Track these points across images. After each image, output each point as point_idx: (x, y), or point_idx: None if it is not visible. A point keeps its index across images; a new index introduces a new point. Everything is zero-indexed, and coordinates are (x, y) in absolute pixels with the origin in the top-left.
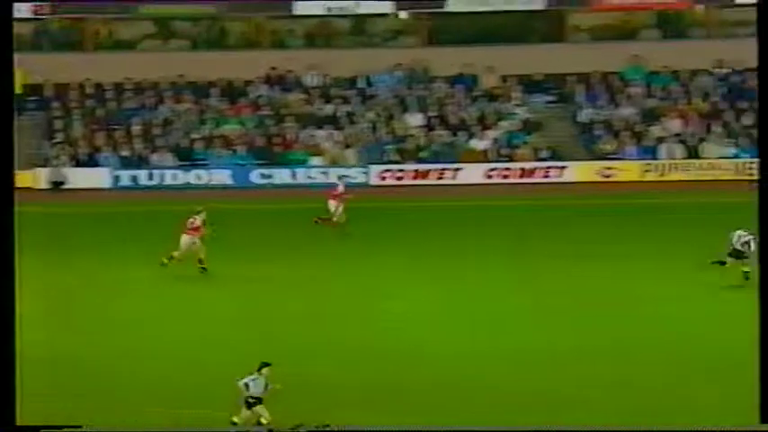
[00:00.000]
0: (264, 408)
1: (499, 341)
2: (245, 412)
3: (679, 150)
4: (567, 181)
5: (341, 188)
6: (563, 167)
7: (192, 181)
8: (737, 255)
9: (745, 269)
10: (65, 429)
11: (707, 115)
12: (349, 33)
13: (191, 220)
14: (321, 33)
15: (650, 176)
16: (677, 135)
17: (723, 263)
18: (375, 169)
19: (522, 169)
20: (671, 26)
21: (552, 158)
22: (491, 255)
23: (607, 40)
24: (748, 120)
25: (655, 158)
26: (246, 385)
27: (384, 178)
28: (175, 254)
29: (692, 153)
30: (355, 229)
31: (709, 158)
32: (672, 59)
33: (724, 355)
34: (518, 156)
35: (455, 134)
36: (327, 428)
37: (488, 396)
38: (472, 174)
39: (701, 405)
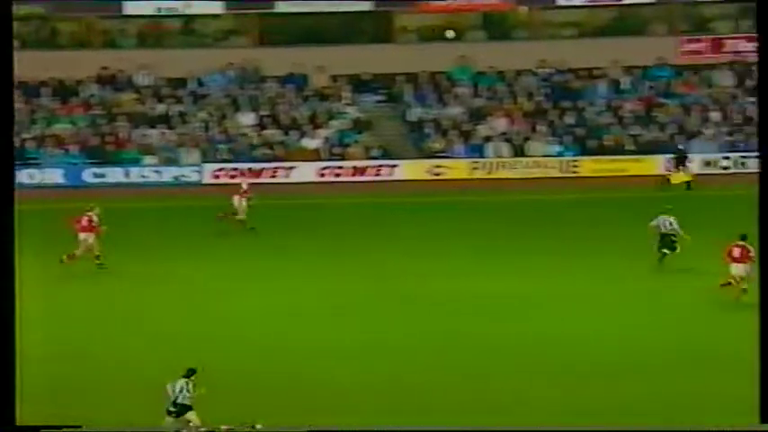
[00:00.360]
0: (195, 413)
1: (338, 336)
2: (169, 419)
3: (506, 149)
4: (398, 179)
5: (245, 185)
6: (394, 166)
7: (25, 180)
8: (667, 240)
9: (665, 250)
10: (64, 429)
11: (531, 114)
12: (180, 33)
13: (84, 217)
14: (152, 33)
15: (478, 174)
16: (504, 134)
17: (672, 249)
18: (208, 168)
19: (354, 168)
20: (496, 27)
21: (383, 157)
22: (327, 252)
23: (434, 40)
24: (571, 119)
25: (482, 157)
26: (174, 391)
27: (217, 177)
28: (77, 252)
29: (518, 151)
30: (191, 227)
31: (534, 156)
32: (497, 60)
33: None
34: (349, 154)
35: (287, 133)
36: (256, 428)
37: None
38: (305, 172)
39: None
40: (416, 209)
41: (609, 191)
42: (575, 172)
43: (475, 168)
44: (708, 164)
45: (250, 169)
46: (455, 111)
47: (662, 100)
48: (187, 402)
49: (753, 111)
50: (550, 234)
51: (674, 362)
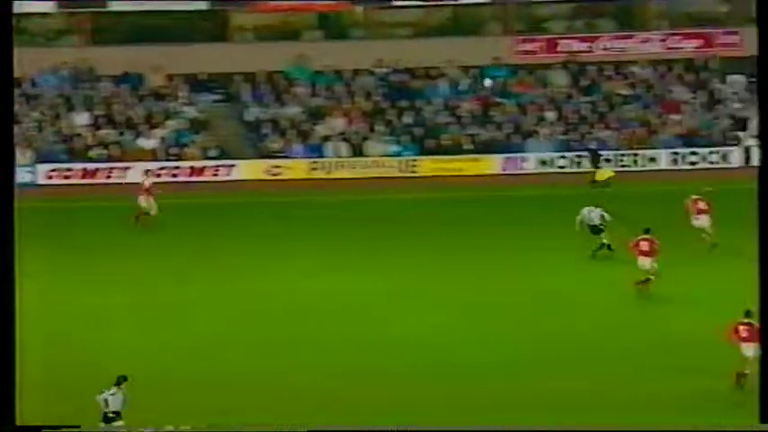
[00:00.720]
0: (123, 423)
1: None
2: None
3: (344, 148)
4: (236, 179)
5: (147, 183)
6: (231, 166)
7: None
8: (596, 230)
9: (605, 240)
10: (63, 429)
11: (370, 114)
12: None
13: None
14: None
15: (317, 174)
16: (342, 133)
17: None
18: (42, 169)
19: (192, 168)
20: (332, 27)
21: (220, 157)
22: (168, 252)
23: (271, 40)
24: (409, 118)
25: (321, 157)
26: (105, 401)
27: (51, 177)
28: None
29: (357, 151)
30: (28, 229)
31: (373, 156)
32: (335, 59)
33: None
34: (187, 155)
35: (122, 133)
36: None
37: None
38: (141, 173)
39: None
40: (255, 209)
41: (447, 190)
42: (413, 171)
43: (313, 168)
44: (544, 163)
45: (85, 170)
46: (293, 110)
47: (498, 99)
48: (116, 410)
49: (586, 110)
50: (391, 233)
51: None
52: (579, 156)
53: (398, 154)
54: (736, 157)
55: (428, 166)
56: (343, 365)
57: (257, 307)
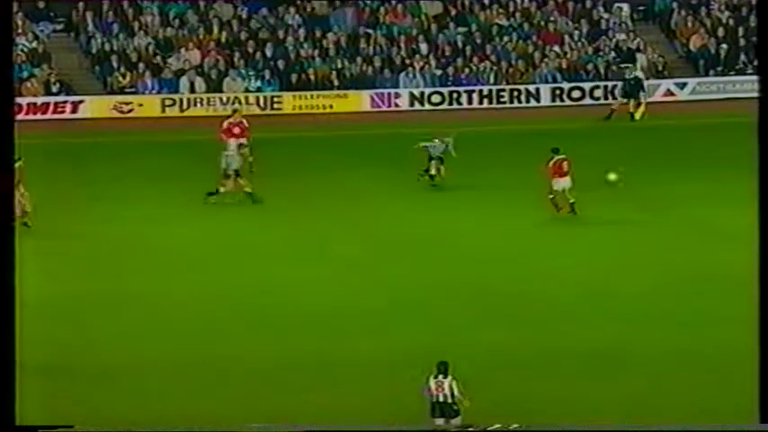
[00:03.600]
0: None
1: None
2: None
3: (200, 83)
4: (83, 117)
5: None
6: (78, 102)
7: None
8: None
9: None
10: (59, 429)
11: (227, 46)
12: None
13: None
14: None
15: (171, 112)
16: (197, 67)
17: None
18: None
19: (33, 104)
20: None
21: (63, 93)
22: None
23: None
24: (270, 51)
25: (175, 92)
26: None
27: None
28: None
29: (215, 87)
30: None
31: (233, 92)
32: None
33: None
34: (26, 90)
35: None
36: None
37: None
38: None
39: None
40: (103, 150)
41: (313, 129)
42: (276, 109)
43: (168, 105)
44: (417, 99)
45: None
46: (142, 41)
47: (368, 30)
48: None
49: (461, 41)
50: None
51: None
52: (455, 91)
53: (259, 90)
54: (622, 91)
55: (292, 102)
56: None
57: (111, 257)
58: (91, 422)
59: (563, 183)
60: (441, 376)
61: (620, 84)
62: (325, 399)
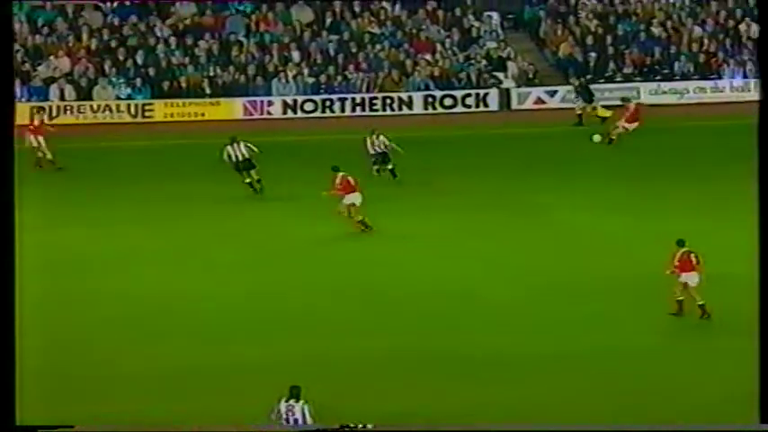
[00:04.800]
0: None
1: None
2: None
3: (70, 91)
4: None
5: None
6: None
7: None
8: (384, 158)
9: (390, 166)
10: (59, 429)
11: (97, 53)
12: None
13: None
14: None
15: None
16: (67, 75)
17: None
18: None
19: None
20: None
21: None
22: None
23: None
24: (141, 58)
25: (45, 100)
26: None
27: None
28: None
29: (84, 95)
30: None
31: (103, 100)
32: None
33: None
34: None
35: None
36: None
37: None
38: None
39: None
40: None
41: (185, 137)
42: (147, 117)
43: (37, 113)
44: (290, 107)
45: None
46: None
47: (240, 38)
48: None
49: (333, 49)
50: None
51: None
52: (328, 99)
53: (130, 97)
54: (494, 99)
55: (163, 110)
56: None
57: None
58: (91, 422)
59: (353, 198)
60: (292, 400)
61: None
62: (217, 404)
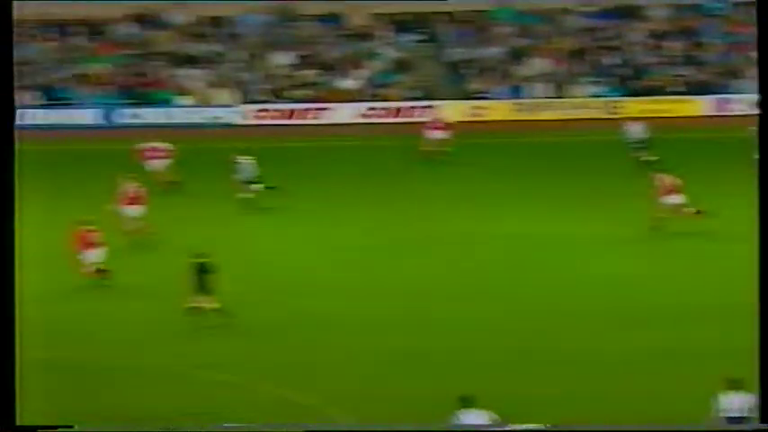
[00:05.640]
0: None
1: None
2: None
3: (547, 89)
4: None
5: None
6: (432, 107)
7: (58, 120)
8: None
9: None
10: (59, 429)
11: (574, 54)
12: None
13: (127, 188)
14: None
15: (521, 115)
16: (545, 74)
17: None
18: (244, 109)
19: (392, 109)
20: None
21: (421, 98)
22: (366, 195)
23: None
24: (614, 59)
25: (522, 97)
26: None
27: (253, 118)
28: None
29: (560, 92)
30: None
31: (577, 97)
32: None
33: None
34: (387, 95)
35: (324, 74)
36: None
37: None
38: (343, 113)
39: None
40: (456, 150)
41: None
42: (617, 113)
43: (516, 109)
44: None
45: (288, 110)
46: (495, 51)
47: (707, 39)
48: None
49: None
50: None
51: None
52: None
53: (603, 95)
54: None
55: (633, 107)
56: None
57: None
58: (91, 422)
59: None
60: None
61: None
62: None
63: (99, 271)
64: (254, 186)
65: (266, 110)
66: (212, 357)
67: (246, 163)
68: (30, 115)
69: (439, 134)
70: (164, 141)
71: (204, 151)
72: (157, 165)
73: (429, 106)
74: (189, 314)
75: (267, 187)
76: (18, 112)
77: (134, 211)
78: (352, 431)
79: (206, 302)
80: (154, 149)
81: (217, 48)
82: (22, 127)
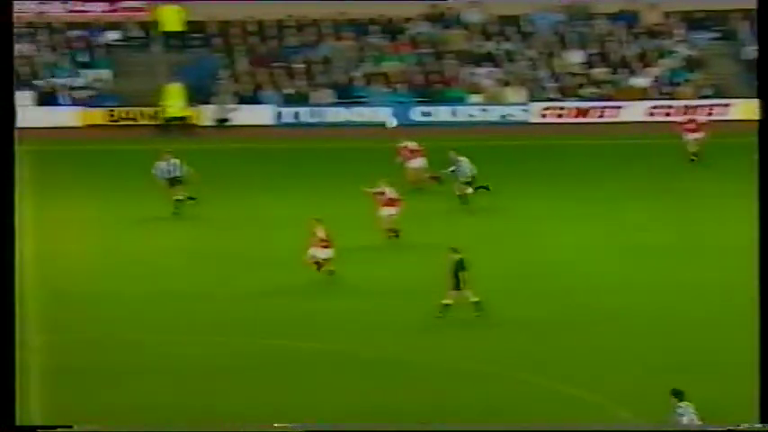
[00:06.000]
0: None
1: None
2: None
3: None
4: (732, 119)
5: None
6: (727, 105)
7: (353, 118)
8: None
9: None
10: (58, 429)
11: None
12: None
13: (380, 191)
14: None
15: None
16: None
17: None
18: (535, 107)
19: (685, 107)
20: None
21: (714, 96)
22: (653, 193)
23: None
24: None
25: None
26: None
27: (544, 116)
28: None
29: None
30: (519, 167)
31: None
32: None
33: None
34: (679, 94)
35: (615, 72)
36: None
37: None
38: (633, 112)
39: None
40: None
41: None
42: None
43: None
44: None
45: (577, 108)
46: None
47: None
48: None
49: None
50: None
51: None
52: None
53: None
54: None
55: None
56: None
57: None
58: (91, 422)
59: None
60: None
61: None
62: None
63: (319, 266)
64: (466, 186)
65: (554, 107)
66: (480, 353)
67: (464, 162)
68: (329, 113)
69: (693, 135)
70: (451, 140)
71: (494, 149)
72: (415, 164)
73: (725, 104)
74: (444, 310)
75: (478, 187)
76: (317, 110)
77: (390, 211)
78: (352, 431)
79: (464, 297)
80: (407, 149)
81: (509, 46)
82: (320, 125)
